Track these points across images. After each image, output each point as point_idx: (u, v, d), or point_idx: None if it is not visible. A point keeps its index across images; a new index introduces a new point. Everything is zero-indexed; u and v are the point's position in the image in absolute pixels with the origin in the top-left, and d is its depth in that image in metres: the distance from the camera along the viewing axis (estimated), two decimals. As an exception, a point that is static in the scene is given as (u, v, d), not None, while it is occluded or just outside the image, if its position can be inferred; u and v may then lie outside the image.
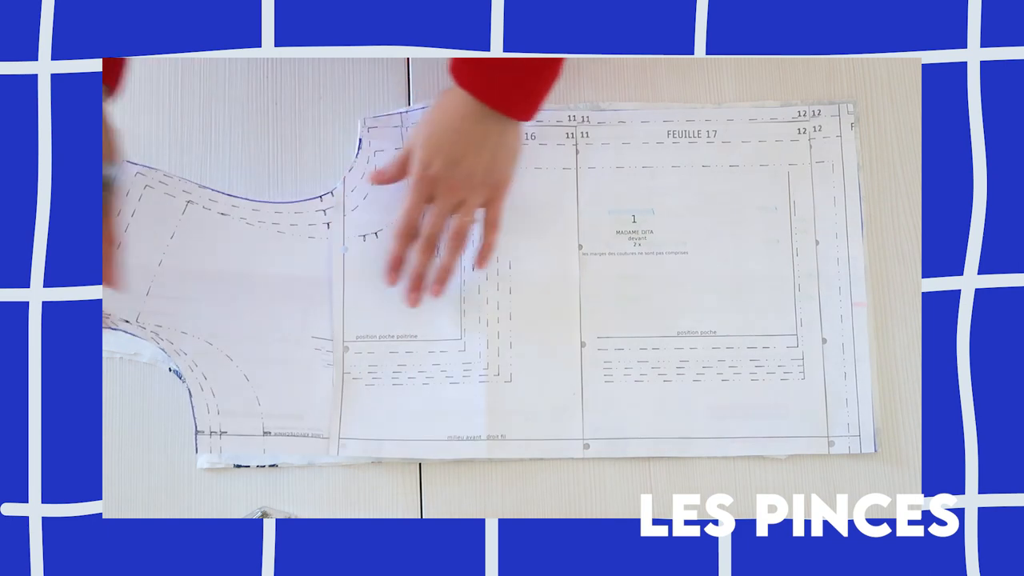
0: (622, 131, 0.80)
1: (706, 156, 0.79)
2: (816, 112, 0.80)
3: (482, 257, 0.77)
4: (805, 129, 0.80)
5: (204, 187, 0.78)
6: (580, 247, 0.78)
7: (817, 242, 0.78)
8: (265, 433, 0.75)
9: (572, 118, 0.80)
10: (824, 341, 0.77)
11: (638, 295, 0.78)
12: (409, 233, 0.76)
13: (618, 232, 0.78)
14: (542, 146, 0.80)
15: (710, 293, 0.77)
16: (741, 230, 0.78)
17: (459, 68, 0.72)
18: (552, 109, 0.79)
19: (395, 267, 0.77)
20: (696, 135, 0.80)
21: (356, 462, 0.75)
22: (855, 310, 0.77)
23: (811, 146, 0.79)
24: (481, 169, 0.74)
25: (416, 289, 0.77)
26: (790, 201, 0.79)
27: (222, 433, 0.75)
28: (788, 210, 0.78)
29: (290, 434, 0.75)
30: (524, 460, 0.76)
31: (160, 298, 0.76)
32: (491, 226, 0.77)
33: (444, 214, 0.75)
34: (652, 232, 0.79)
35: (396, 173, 0.77)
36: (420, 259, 0.76)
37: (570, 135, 0.80)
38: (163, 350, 0.75)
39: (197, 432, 0.75)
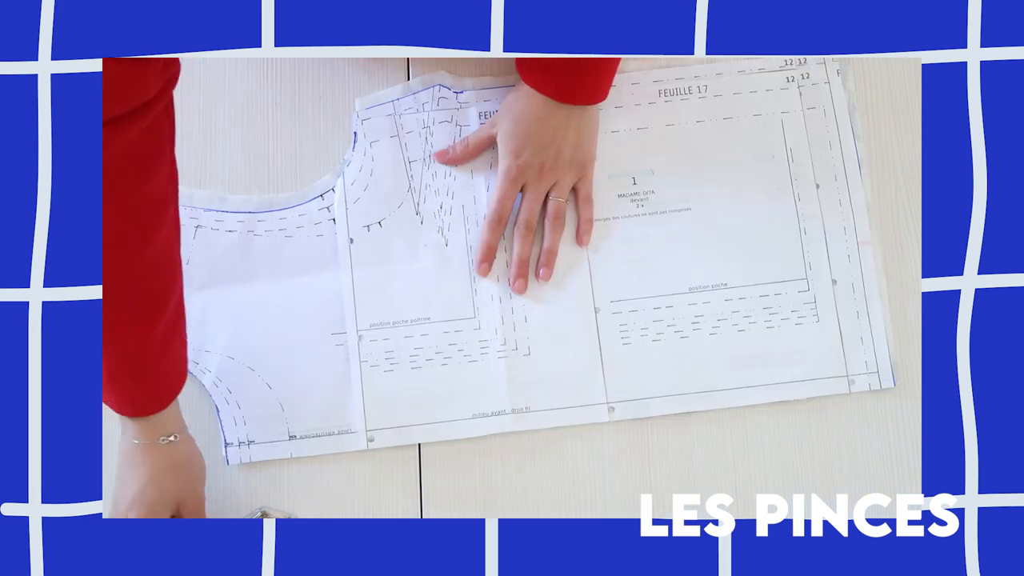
0: (613, 95, 0.79)
1: (699, 112, 0.80)
2: (802, 60, 0.81)
3: (584, 232, 0.78)
4: (793, 77, 0.80)
5: (209, 209, 0.78)
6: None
7: (817, 186, 0.79)
8: (291, 437, 0.76)
9: None
10: (834, 282, 0.78)
11: (646, 255, 0.78)
12: (502, 222, 0.77)
13: (619, 195, 0.79)
14: None
15: (717, 246, 0.78)
16: (741, 181, 0.79)
17: (526, 68, 0.74)
18: None
19: (488, 257, 0.78)
20: (687, 92, 0.80)
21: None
22: (861, 249, 0.78)
23: (801, 93, 0.80)
24: (569, 150, 0.76)
25: (523, 275, 0.77)
26: (786, 148, 0.79)
27: (250, 443, 0.76)
28: (786, 157, 0.79)
29: (316, 435, 0.76)
30: (523, 459, 0.76)
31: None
32: (586, 202, 0.78)
33: (539, 199, 0.77)
34: (653, 192, 0.79)
35: (464, 157, 0.78)
36: (523, 245, 0.77)
37: None
38: (189, 371, 0.76)
39: (227, 444, 0.75)
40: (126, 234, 0.62)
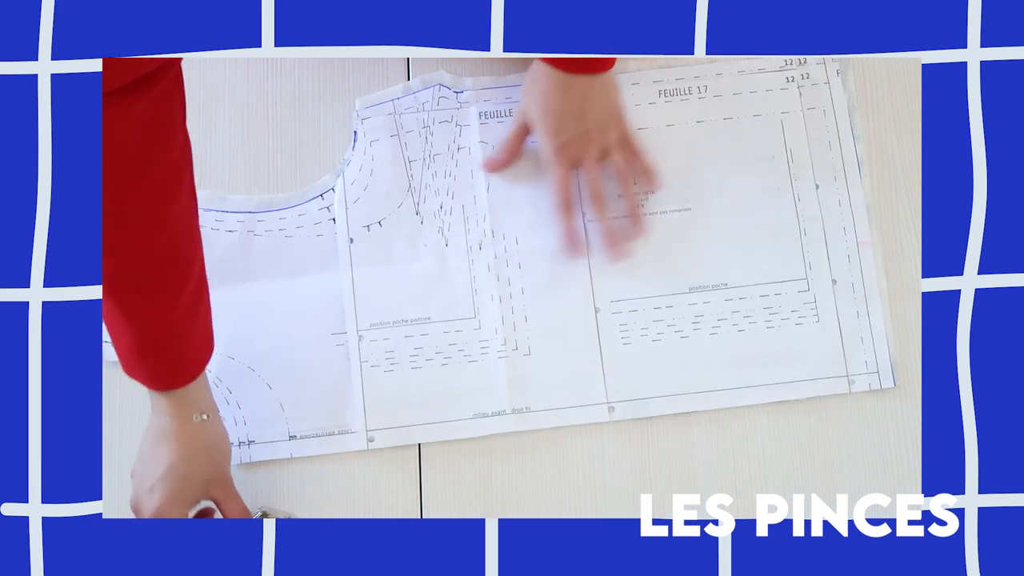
0: None
1: (699, 112, 0.80)
2: (802, 61, 0.80)
3: (650, 180, 0.78)
4: (793, 78, 0.80)
5: (209, 209, 0.78)
6: (584, 215, 0.79)
7: (817, 186, 0.79)
8: (291, 437, 0.76)
9: None
10: (834, 282, 0.78)
11: (646, 256, 0.78)
12: (572, 203, 0.77)
13: (619, 195, 0.79)
14: None
15: (717, 246, 0.79)
16: (741, 181, 0.79)
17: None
18: None
19: (577, 240, 0.78)
20: (687, 92, 0.80)
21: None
22: (861, 249, 0.78)
23: (801, 93, 0.80)
24: (602, 111, 0.76)
25: (617, 243, 0.77)
26: (786, 148, 0.79)
27: (250, 443, 0.76)
28: (785, 158, 0.79)
29: (316, 435, 0.76)
30: (523, 459, 0.76)
31: None
32: (637, 154, 0.78)
33: (597, 167, 0.77)
34: (653, 192, 0.79)
35: (509, 157, 0.79)
36: (602, 216, 0.77)
37: None
38: None
39: None
40: (146, 207, 0.62)
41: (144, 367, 0.68)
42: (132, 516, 0.73)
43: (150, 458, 0.70)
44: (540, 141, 0.77)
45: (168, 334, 0.66)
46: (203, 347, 0.70)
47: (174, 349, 0.68)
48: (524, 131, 0.78)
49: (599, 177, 0.77)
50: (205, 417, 0.70)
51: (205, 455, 0.71)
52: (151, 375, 0.68)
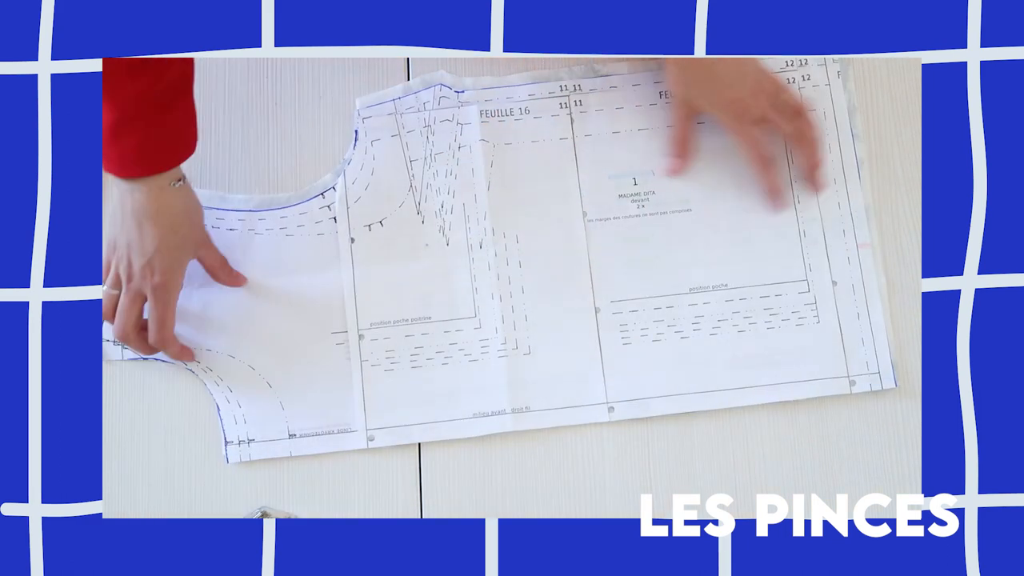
0: (615, 96, 0.80)
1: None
2: (803, 62, 0.80)
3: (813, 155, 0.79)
4: (794, 79, 0.80)
5: (210, 208, 0.78)
6: (585, 214, 0.79)
7: None
8: (291, 436, 0.76)
9: (564, 88, 0.80)
10: (834, 284, 0.77)
11: (647, 256, 0.78)
12: (769, 158, 0.77)
13: (620, 196, 0.79)
14: (537, 119, 0.80)
15: (717, 247, 0.78)
16: (741, 182, 0.79)
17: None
18: (543, 81, 0.80)
19: (780, 192, 0.78)
20: None
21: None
22: (860, 251, 0.78)
23: (801, 95, 0.80)
24: (752, 67, 0.76)
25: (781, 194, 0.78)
26: (787, 150, 0.79)
27: (250, 441, 0.76)
28: (786, 159, 0.79)
29: (316, 434, 0.76)
30: (523, 459, 0.76)
31: (184, 323, 0.77)
32: (801, 112, 0.78)
33: (779, 120, 0.77)
34: (654, 193, 0.79)
35: (689, 153, 0.79)
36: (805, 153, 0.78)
37: (563, 105, 0.80)
38: (191, 370, 0.76)
39: (227, 443, 0.75)
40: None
41: (116, 151, 0.68)
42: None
43: (136, 237, 0.71)
44: (719, 117, 0.77)
45: (143, 114, 0.67)
46: (183, 140, 0.71)
47: (150, 132, 0.68)
48: (690, 121, 0.79)
49: (785, 123, 0.78)
50: (180, 182, 0.72)
51: (186, 220, 0.72)
52: (125, 160, 0.69)
